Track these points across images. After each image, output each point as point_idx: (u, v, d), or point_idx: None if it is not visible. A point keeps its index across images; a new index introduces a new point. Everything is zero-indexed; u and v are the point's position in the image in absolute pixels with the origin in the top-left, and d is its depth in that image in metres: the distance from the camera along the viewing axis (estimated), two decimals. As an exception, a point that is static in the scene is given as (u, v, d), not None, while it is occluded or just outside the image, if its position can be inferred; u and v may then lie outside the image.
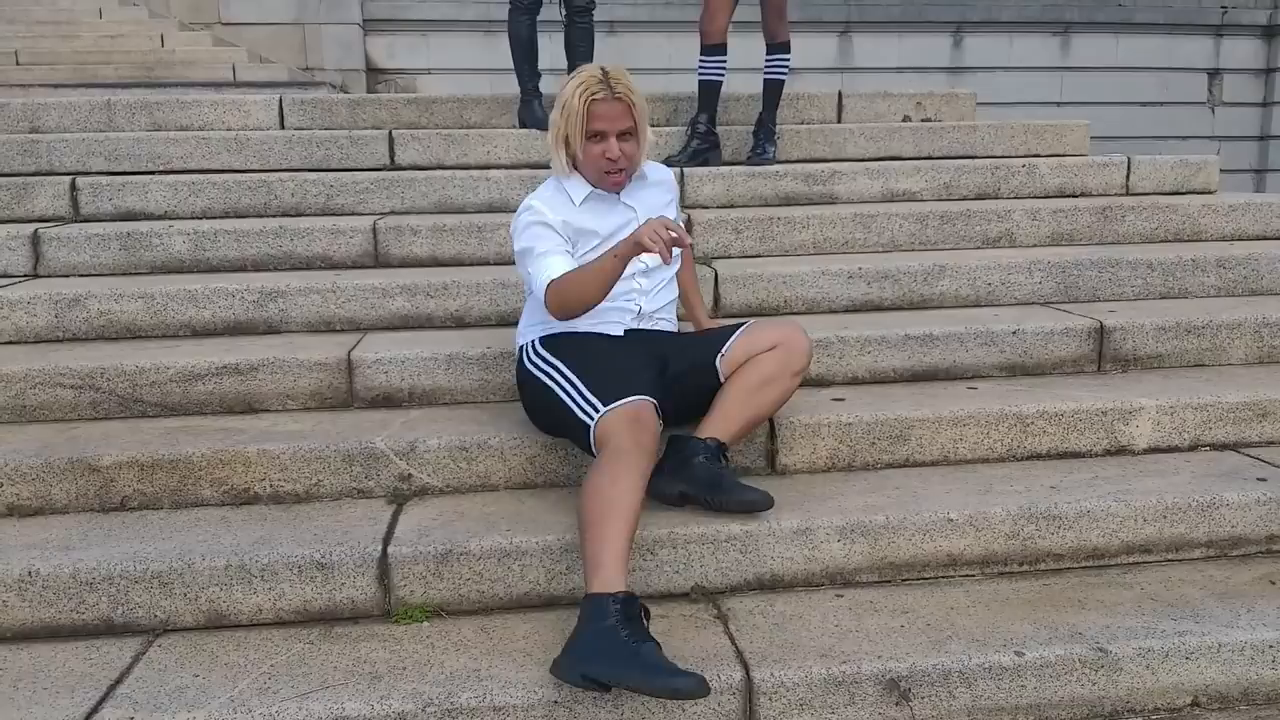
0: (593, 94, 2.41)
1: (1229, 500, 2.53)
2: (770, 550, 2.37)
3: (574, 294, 2.37)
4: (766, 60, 4.34)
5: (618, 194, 2.58)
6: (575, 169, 2.54)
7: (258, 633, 2.22)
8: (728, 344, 2.53)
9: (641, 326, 2.62)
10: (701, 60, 4.28)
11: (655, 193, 2.68)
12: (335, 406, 2.90)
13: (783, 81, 4.35)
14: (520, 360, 2.62)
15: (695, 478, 2.38)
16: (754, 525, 2.37)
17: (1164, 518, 2.50)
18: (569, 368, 2.44)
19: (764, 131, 4.37)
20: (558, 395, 2.42)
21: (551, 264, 2.42)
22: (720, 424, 2.46)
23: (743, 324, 2.59)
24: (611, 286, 2.36)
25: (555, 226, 2.48)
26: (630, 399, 2.30)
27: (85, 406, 2.84)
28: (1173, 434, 2.85)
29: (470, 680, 2.01)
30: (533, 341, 2.58)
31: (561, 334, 2.54)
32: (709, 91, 4.31)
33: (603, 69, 2.45)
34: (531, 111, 4.48)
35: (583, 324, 2.52)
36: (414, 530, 2.36)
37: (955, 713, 2.07)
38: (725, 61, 4.27)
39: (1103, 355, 3.16)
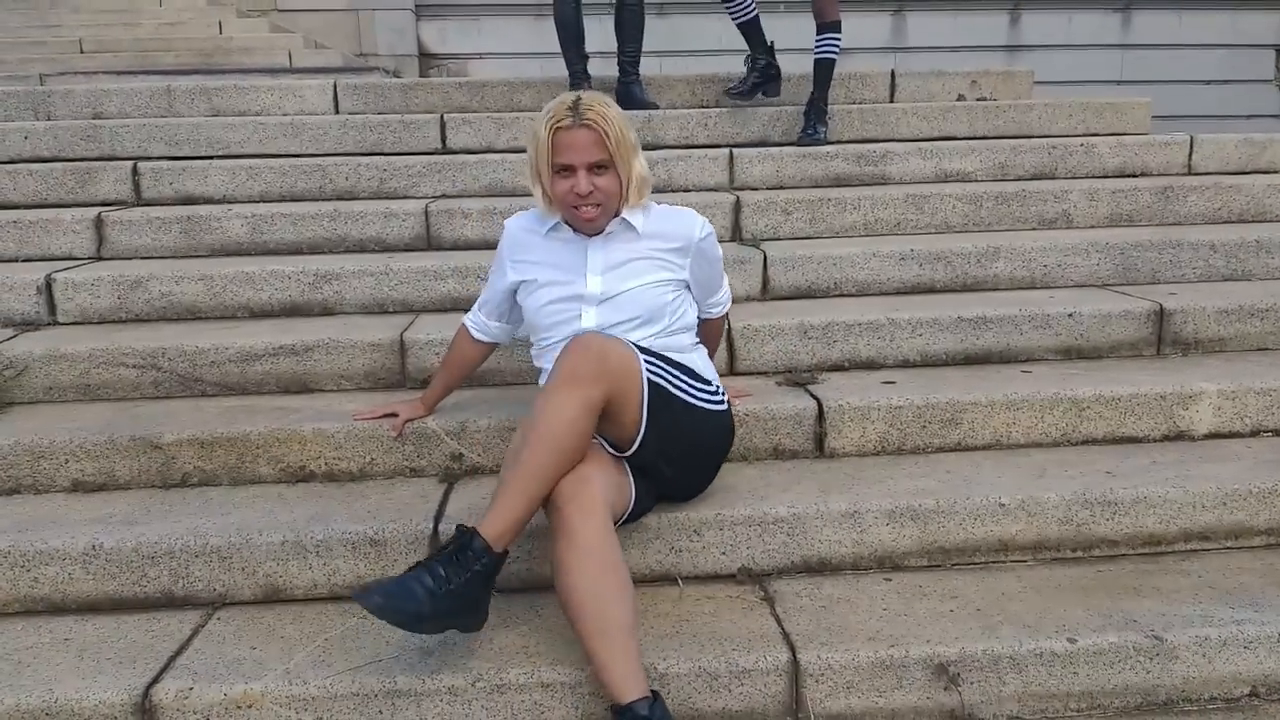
0: (557, 122, 2.17)
1: (1292, 488, 2.47)
2: (818, 533, 2.36)
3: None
4: (816, 40, 4.31)
5: (589, 236, 2.32)
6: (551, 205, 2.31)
7: (313, 607, 2.28)
8: None
9: None
10: (729, 6, 4.45)
11: (644, 245, 2.31)
12: (389, 386, 2.94)
13: (833, 61, 4.31)
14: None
15: None
16: (801, 508, 2.36)
17: (1223, 504, 2.44)
18: None
19: (815, 111, 4.33)
20: None
21: (473, 308, 2.57)
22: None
23: None
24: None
25: (504, 263, 2.44)
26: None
27: (147, 386, 2.91)
28: (1234, 419, 2.78)
29: (519, 656, 2.04)
30: None
31: None
32: (751, 30, 4.47)
33: (578, 95, 2.22)
34: (630, 89, 4.54)
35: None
36: (464, 508, 2.39)
37: (1005, 699, 2.06)
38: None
39: (1162, 338, 3.09)
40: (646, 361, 2.14)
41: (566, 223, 2.34)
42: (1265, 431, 2.80)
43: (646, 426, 2.13)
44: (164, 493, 2.57)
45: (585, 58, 4.61)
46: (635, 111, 4.39)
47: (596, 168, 2.20)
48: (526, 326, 2.46)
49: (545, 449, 1.98)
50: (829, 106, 4.39)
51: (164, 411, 2.78)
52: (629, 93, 4.57)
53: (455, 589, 1.87)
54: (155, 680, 1.99)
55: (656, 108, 4.58)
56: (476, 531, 1.93)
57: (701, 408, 2.25)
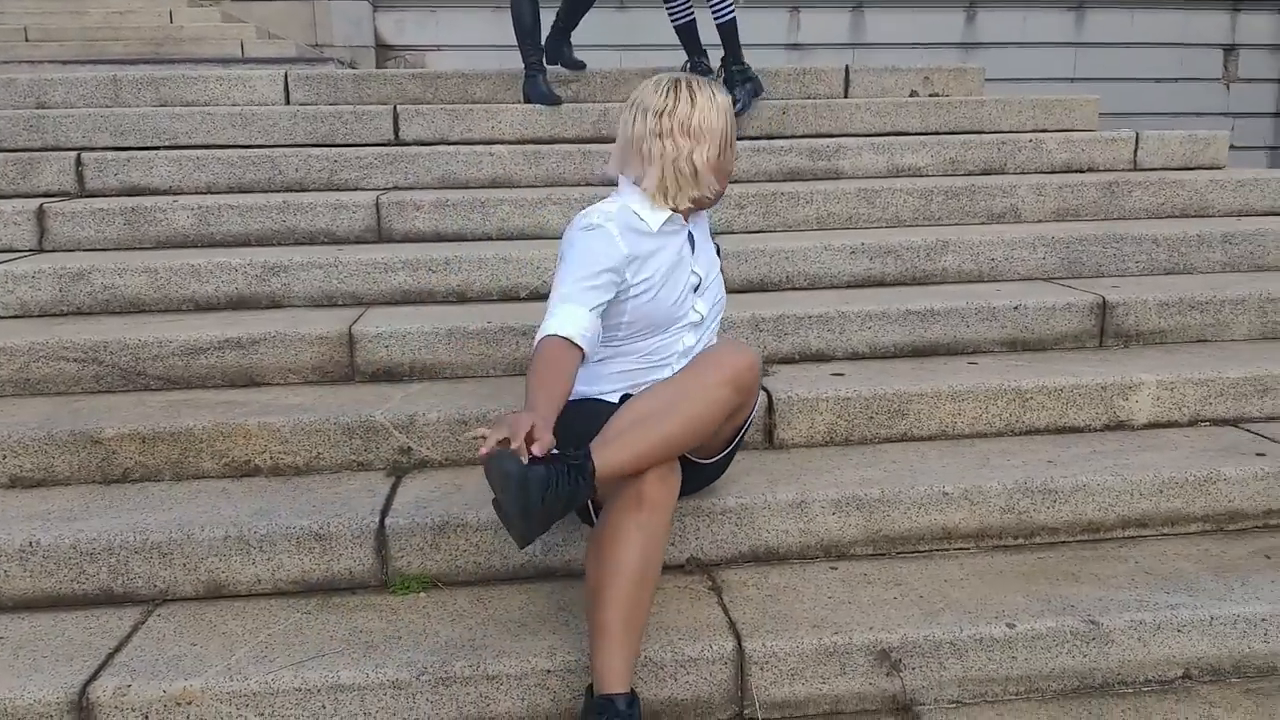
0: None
1: (1227, 475, 2.52)
2: (765, 523, 2.38)
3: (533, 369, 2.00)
4: (711, 8, 4.37)
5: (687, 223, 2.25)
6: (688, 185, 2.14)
7: (256, 603, 2.25)
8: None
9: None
10: (669, 7, 4.51)
11: (707, 235, 2.35)
12: (336, 380, 2.92)
13: (733, 20, 4.38)
14: None
15: None
16: (749, 498, 2.38)
17: (1160, 492, 2.49)
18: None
19: (731, 79, 4.40)
20: None
21: (572, 314, 2.04)
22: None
23: None
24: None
25: (619, 259, 2.10)
26: None
27: (89, 380, 2.86)
28: (1172, 409, 2.84)
29: (465, 650, 2.03)
30: None
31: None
32: (687, 35, 4.52)
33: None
34: (535, 86, 4.46)
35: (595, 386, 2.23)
36: (412, 502, 2.38)
37: (946, 683, 2.08)
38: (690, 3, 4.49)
39: (1105, 330, 3.15)
40: None
41: (676, 210, 2.18)
42: (1203, 421, 2.87)
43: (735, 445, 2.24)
44: (104, 488, 2.53)
45: (542, 50, 4.59)
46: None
47: None
48: (635, 323, 2.18)
49: (689, 430, 1.98)
50: (747, 67, 4.45)
51: (105, 406, 2.73)
52: (558, 49, 4.79)
53: (553, 502, 1.80)
54: (93, 678, 1.95)
55: (583, 66, 4.76)
56: (591, 459, 1.87)
57: None
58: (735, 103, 4.41)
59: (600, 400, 2.19)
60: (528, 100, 4.49)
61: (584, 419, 2.08)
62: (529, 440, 1.74)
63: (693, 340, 2.24)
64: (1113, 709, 2.07)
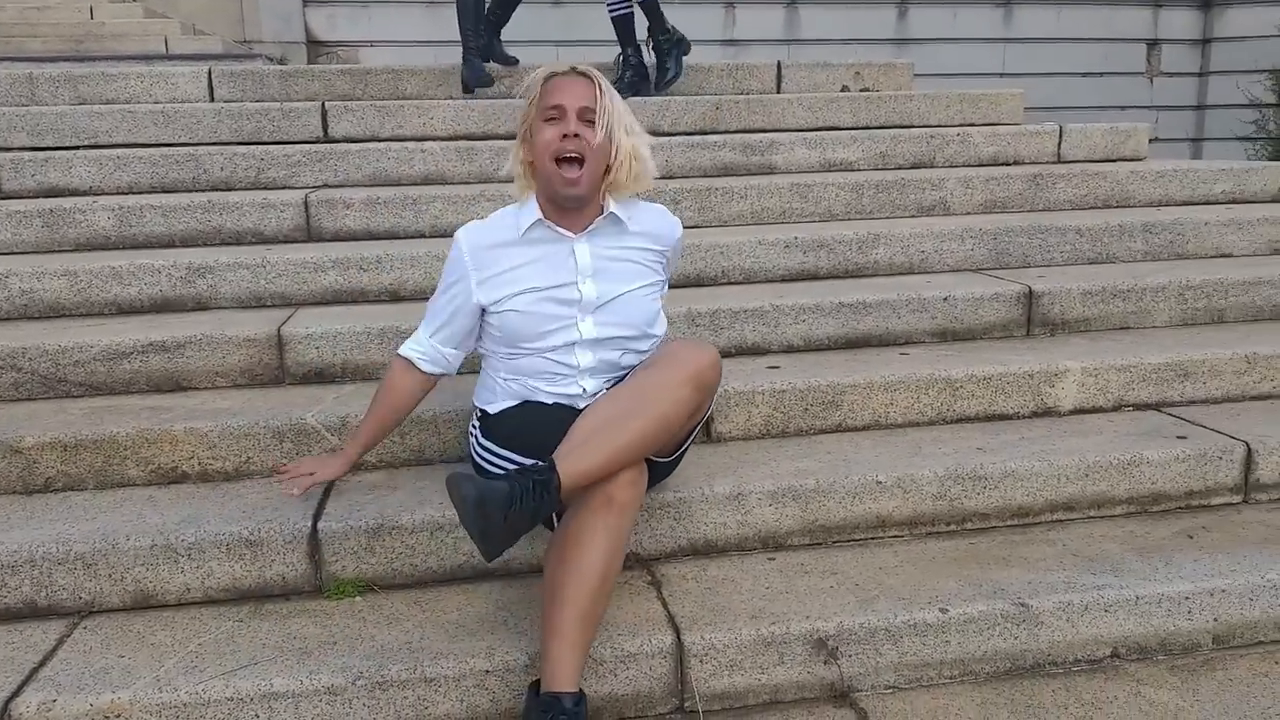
0: (553, 71, 2.12)
1: (1150, 458, 2.60)
2: (703, 516, 2.39)
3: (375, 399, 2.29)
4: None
5: (575, 230, 2.16)
6: (532, 183, 2.17)
7: (186, 612, 2.20)
8: None
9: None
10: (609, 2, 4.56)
11: (630, 243, 2.20)
12: (266, 383, 2.86)
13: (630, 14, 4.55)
14: (470, 449, 2.29)
15: None
16: (687, 492, 2.38)
17: (1086, 476, 2.56)
18: (515, 451, 2.12)
19: (660, 47, 4.55)
20: None
21: (417, 336, 2.26)
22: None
23: None
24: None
25: (462, 282, 2.17)
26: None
27: (7, 387, 2.77)
28: (1097, 395, 2.92)
29: (402, 653, 2.01)
30: (475, 432, 2.27)
31: (494, 415, 2.24)
32: (624, 27, 4.54)
33: (572, 64, 2.16)
34: (473, 68, 4.52)
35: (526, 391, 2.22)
36: (346, 506, 2.34)
37: (882, 669, 2.11)
38: None
39: (1031, 319, 3.22)
40: None
41: (545, 217, 2.15)
42: (1126, 406, 2.95)
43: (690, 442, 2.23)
44: (25, 499, 2.45)
45: (482, 35, 4.68)
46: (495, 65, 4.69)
47: (585, 118, 2.06)
48: (500, 339, 2.20)
49: (657, 430, 1.95)
50: (672, 31, 4.59)
51: (25, 414, 2.64)
52: (489, 46, 4.86)
53: (518, 518, 1.79)
54: (15, 694, 1.89)
55: (516, 62, 4.84)
56: (556, 472, 1.83)
57: None
58: (667, 72, 4.51)
59: (541, 404, 2.19)
60: (465, 89, 4.51)
61: (531, 421, 2.13)
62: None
63: (590, 359, 2.17)
64: (1044, 689, 2.12)
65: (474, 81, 4.49)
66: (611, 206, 2.18)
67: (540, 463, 1.88)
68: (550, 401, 2.18)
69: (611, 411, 1.96)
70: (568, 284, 2.16)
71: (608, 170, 2.12)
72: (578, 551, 1.86)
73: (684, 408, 2.00)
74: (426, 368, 2.26)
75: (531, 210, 2.17)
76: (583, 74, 2.10)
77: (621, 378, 2.18)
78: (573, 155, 2.06)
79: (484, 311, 2.20)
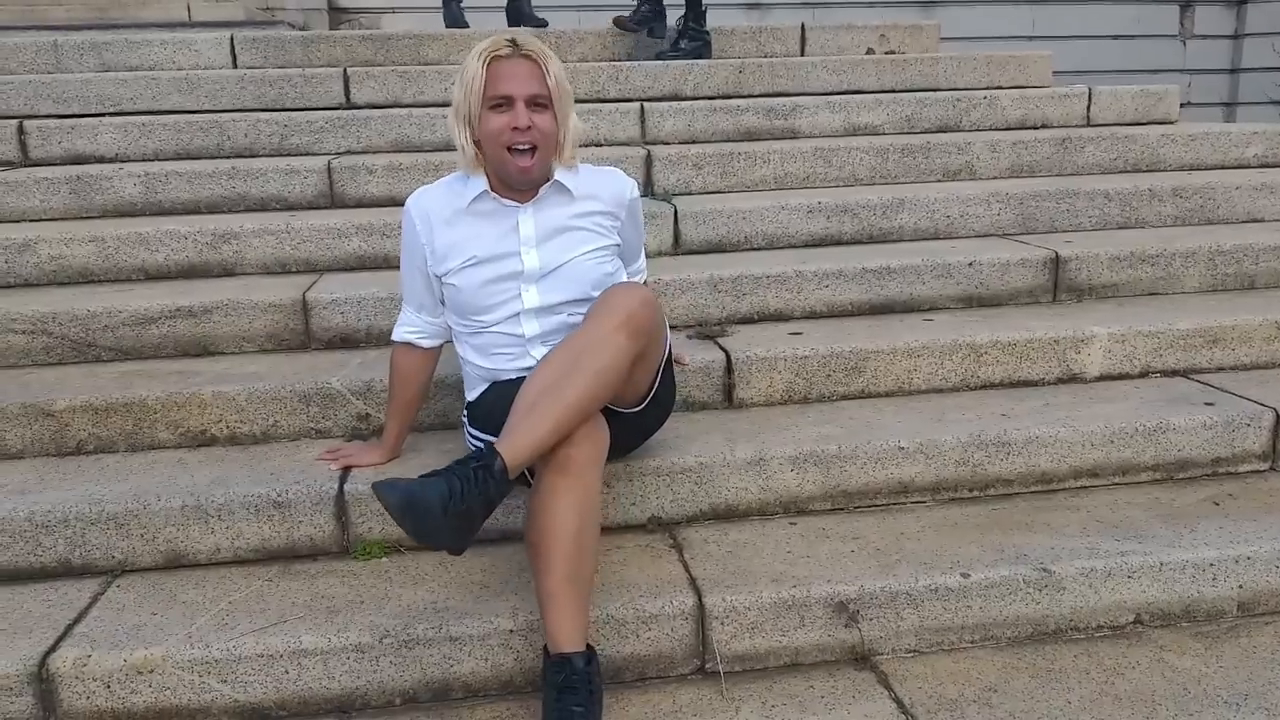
0: (494, 51, 2.02)
1: (1176, 424, 2.58)
2: (725, 481, 2.40)
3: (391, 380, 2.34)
4: None
5: (522, 200, 2.15)
6: (481, 159, 2.12)
7: (216, 571, 2.24)
8: None
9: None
10: None
11: (578, 209, 2.19)
12: (292, 348, 2.89)
13: None
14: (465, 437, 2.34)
15: None
16: (709, 457, 2.39)
17: (1111, 442, 2.54)
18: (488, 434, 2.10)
19: (685, 32, 4.59)
20: None
21: (404, 317, 2.30)
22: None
23: None
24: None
25: (418, 251, 2.19)
26: None
27: (38, 352, 2.81)
28: (1124, 361, 2.89)
29: (427, 612, 2.04)
30: (465, 420, 2.32)
31: (474, 401, 2.28)
32: None
33: (513, 35, 2.08)
34: (450, 13, 5.01)
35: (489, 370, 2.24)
36: (371, 468, 2.37)
37: (903, 633, 2.13)
38: None
39: (1058, 285, 3.19)
40: None
41: (491, 189, 2.14)
42: (1153, 372, 2.92)
43: (658, 388, 2.18)
44: (59, 460, 2.49)
45: None
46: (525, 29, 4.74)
47: (535, 104, 2.03)
48: (453, 310, 2.24)
49: (598, 386, 1.89)
50: (700, 23, 4.60)
51: (56, 378, 2.68)
52: (518, 9, 5.02)
53: (465, 509, 1.77)
54: (52, 649, 1.94)
55: (545, 24, 4.89)
56: (499, 454, 1.81)
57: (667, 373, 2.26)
58: (679, 48, 4.52)
59: (507, 381, 2.18)
60: (448, 26, 4.94)
61: (499, 401, 2.08)
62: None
63: (536, 328, 2.17)
64: (1066, 654, 2.13)
65: (450, 24, 4.98)
66: (557, 174, 2.15)
67: (482, 448, 1.86)
68: (515, 377, 2.16)
69: (549, 377, 1.91)
70: (510, 254, 2.15)
71: (555, 146, 2.11)
72: (547, 517, 1.86)
73: (623, 356, 1.93)
74: (426, 344, 2.31)
75: (479, 182, 2.14)
76: (526, 55, 2.03)
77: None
78: (525, 146, 2.04)
79: (439, 280, 2.21)
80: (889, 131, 4.21)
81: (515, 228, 2.16)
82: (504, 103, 2.02)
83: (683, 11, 4.62)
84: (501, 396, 2.09)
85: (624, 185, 2.27)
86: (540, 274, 2.16)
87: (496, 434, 1.99)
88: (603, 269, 2.21)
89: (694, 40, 4.55)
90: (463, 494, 1.77)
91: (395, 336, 2.32)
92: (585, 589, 1.89)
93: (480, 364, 2.24)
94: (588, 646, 1.87)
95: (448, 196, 2.18)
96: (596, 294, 2.12)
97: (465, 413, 2.32)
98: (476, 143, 2.09)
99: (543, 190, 2.16)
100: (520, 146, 2.04)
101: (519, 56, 2.03)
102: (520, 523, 2.32)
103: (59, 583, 2.21)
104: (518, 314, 2.17)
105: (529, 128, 2.02)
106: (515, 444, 1.83)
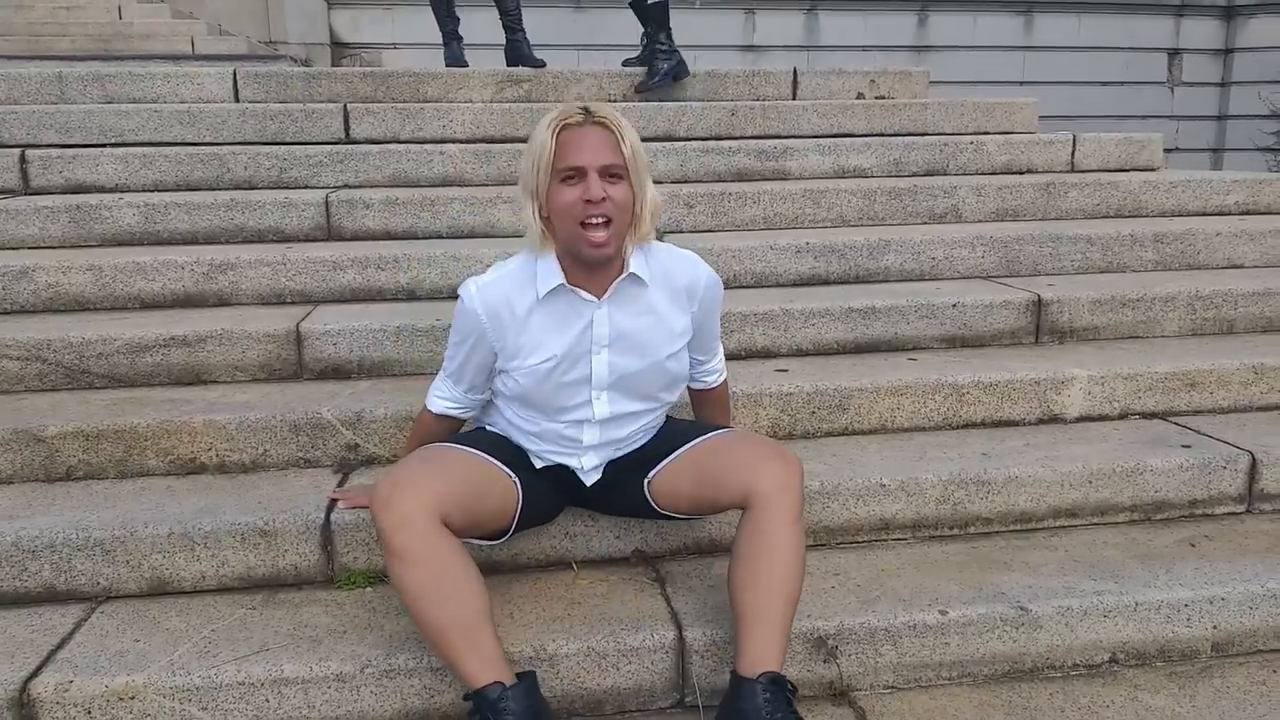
0: (565, 119, 1.88)
1: (1154, 466, 2.61)
2: (709, 515, 2.42)
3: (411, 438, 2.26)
4: None
5: (597, 292, 2.01)
6: (550, 236, 1.98)
7: (200, 599, 2.26)
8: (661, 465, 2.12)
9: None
10: None
11: (652, 300, 2.05)
12: (284, 378, 2.92)
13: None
14: None
15: None
16: (692, 491, 2.42)
17: (1090, 483, 2.58)
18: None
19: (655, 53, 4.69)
20: None
21: (443, 389, 2.19)
22: (765, 643, 1.88)
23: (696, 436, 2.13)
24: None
25: (483, 346, 2.05)
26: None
27: (32, 378, 2.84)
28: (1103, 403, 2.93)
29: (409, 642, 2.05)
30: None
31: (486, 431, 2.25)
32: (660, 12, 4.71)
33: (585, 103, 1.95)
34: (451, 53, 5.13)
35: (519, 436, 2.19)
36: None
37: (881, 669, 2.15)
38: None
39: (1040, 327, 3.24)
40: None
41: (565, 279, 1.99)
42: (1132, 414, 2.96)
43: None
44: (47, 486, 2.52)
45: (456, 19, 5.19)
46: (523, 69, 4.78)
47: (610, 175, 1.88)
48: (512, 397, 2.12)
49: (799, 581, 1.97)
50: (667, 43, 4.69)
51: (49, 404, 2.71)
52: (517, 50, 5.07)
53: None
54: (34, 674, 1.95)
55: (543, 64, 4.93)
56: (787, 682, 1.87)
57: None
58: (656, 74, 4.62)
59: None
60: (446, 65, 5.06)
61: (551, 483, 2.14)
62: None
63: (596, 437, 2.13)
64: (1041, 692, 2.15)
65: (451, 64, 5.06)
66: (632, 265, 2.01)
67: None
68: (540, 466, 2.17)
69: (766, 594, 1.91)
70: (584, 355, 2.04)
71: (631, 219, 1.96)
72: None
73: (801, 541, 1.96)
74: (463, 415, 2.25)
75: (552, 270, 1.99)
76: (599, 121, 1.89)
77: (620, 455, 2.18)
78: (599, 220, 1.90)
79: (501, 371, 2.11)
80: (877, 174, 4.28)
81: (590, 326, 2.03)
82: (575, 174, 1.88)
83: (644, 31, 4.77)
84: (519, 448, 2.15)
85: (701, 275, 2.11)
86: (609, 383, 2.08)
87: (488, 452, 2.06)
88: (677, 367, 2.13)
89: (668, 59, 4.68)
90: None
91: (432, 407, 2.21)
92: (457, 634, 1.88)
93: (520, 429, 2.17)
94: (518, 675, 1.86)
95: (517, 289, 2.01)
96: (666, 395, 2.15)
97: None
98: (545, 219, 1.95)
99: (615, 284, 2.02)
100: (594, 220, 1.89)
101: (591, 124, 1.89)
102: (505, 556, 2.36)
103: (43, 608, 2.22)
104: (583, 421, 2.11)
105: (603, 199, 1.87)
106: (776, 658, 1.88)
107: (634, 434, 2.18)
